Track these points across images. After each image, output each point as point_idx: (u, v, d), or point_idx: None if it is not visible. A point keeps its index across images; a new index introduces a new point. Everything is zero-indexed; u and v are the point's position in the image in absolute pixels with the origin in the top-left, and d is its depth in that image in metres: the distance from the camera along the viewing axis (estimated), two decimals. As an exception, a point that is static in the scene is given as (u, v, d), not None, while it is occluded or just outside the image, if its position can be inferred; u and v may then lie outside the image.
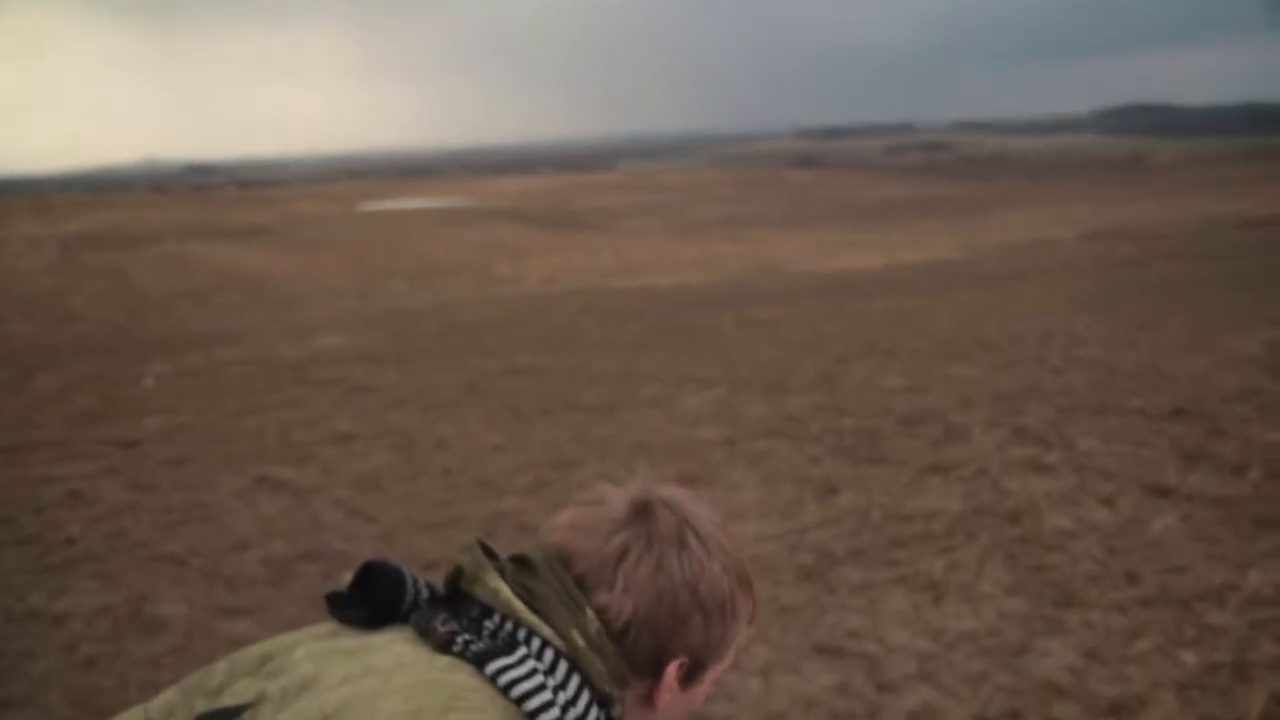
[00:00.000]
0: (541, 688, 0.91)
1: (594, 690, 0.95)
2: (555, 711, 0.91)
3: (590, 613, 0.96)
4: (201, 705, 0.98)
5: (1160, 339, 9.20)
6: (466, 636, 0.94)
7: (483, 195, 58.15)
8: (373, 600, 1.00)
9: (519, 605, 0.96)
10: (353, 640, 0.97)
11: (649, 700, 1.01)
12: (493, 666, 0.91)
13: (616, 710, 0.96)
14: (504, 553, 1.04)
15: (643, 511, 1.01)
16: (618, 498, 1.03)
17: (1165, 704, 3.27)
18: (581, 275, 22.12)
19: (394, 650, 0.94)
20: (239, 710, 0.94)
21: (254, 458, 6.92)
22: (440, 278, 20.64)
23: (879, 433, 6.58)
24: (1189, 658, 3.55)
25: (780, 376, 8.59)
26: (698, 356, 9.65)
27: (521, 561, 1.01)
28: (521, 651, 0.93)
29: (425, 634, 0.95)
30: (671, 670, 0.99)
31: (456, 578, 1.00)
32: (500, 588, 0.97)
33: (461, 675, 0.90)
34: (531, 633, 0.94)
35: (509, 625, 0.95)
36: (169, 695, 1.02)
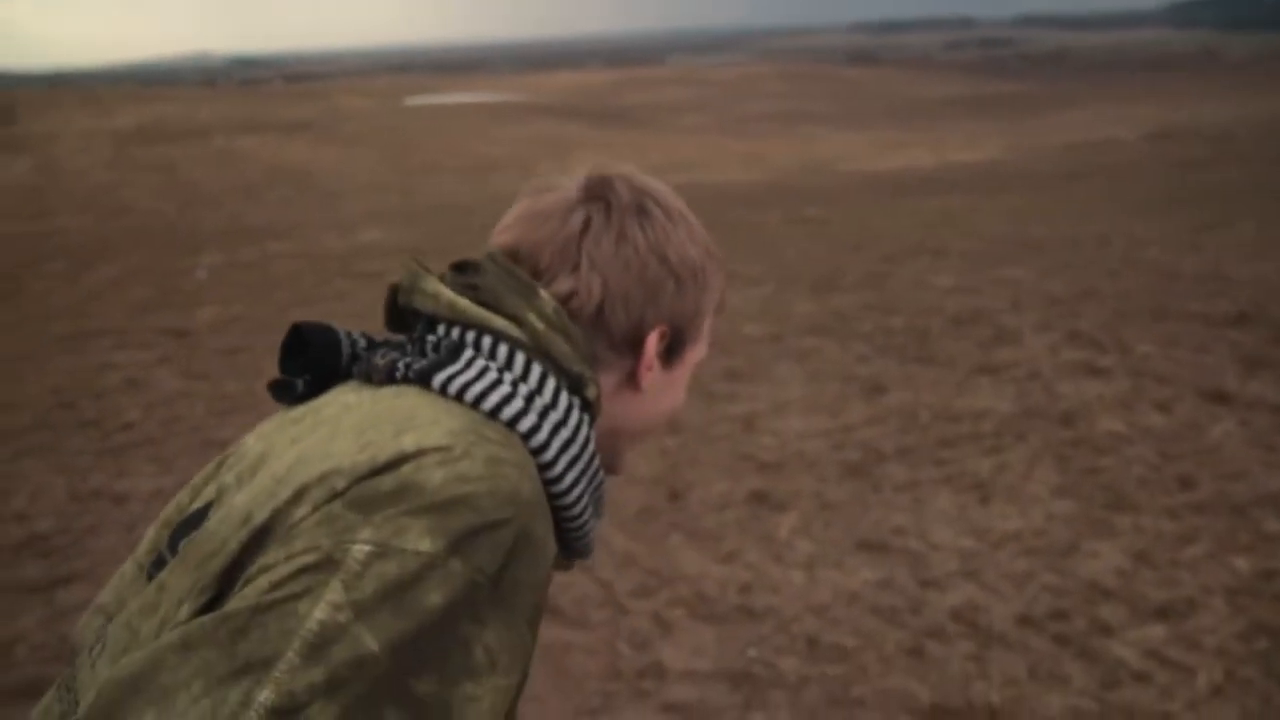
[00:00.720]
0: (497, 383, 0.83)
1: (562, 373, 0.87)
2: (518, 403, 0.83)
3: (545, 294, 0.89)
4: (162, 534, 0.92)
5: (1225, 242, 8.90)
6: (407, 359, 0.86)
7: (530, 90, 57.33)
8: (311, 364, 0.92)
9: (463, 303, 0.88)
10: (300, 410, 0.90)
11: (632, 382, 0.94)
12: (439, 379, 0.83)
13: (590, 391, 0.88)
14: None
15: (598, 187, 0.94)
16: (568, 182, 0.96)
17: (1215, 609, 3.23)
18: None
19: (340, 400, 0.87)
20: (203, 511, 0.86)
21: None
22: (487, 173, 20.50)
23: (928, 332, 6.48)
24: (1242, 564, 3.50)
25: (828, 274, 8.46)
26: (745, 253, 9.52)
27: (462, 266, 0.94)
28: (468, 354, 0.85)
29: (368, 376, 0.88)
30: (652, 341, 0.92)
31: (394, 297, 0.94)
32: (440, 290, 0.89)
33: (409, 398, 0.82)
34: (481, 332, 0.87)
35: (454, 333, 0.88)
36: (149, 533, 0.95)
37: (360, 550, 0.68)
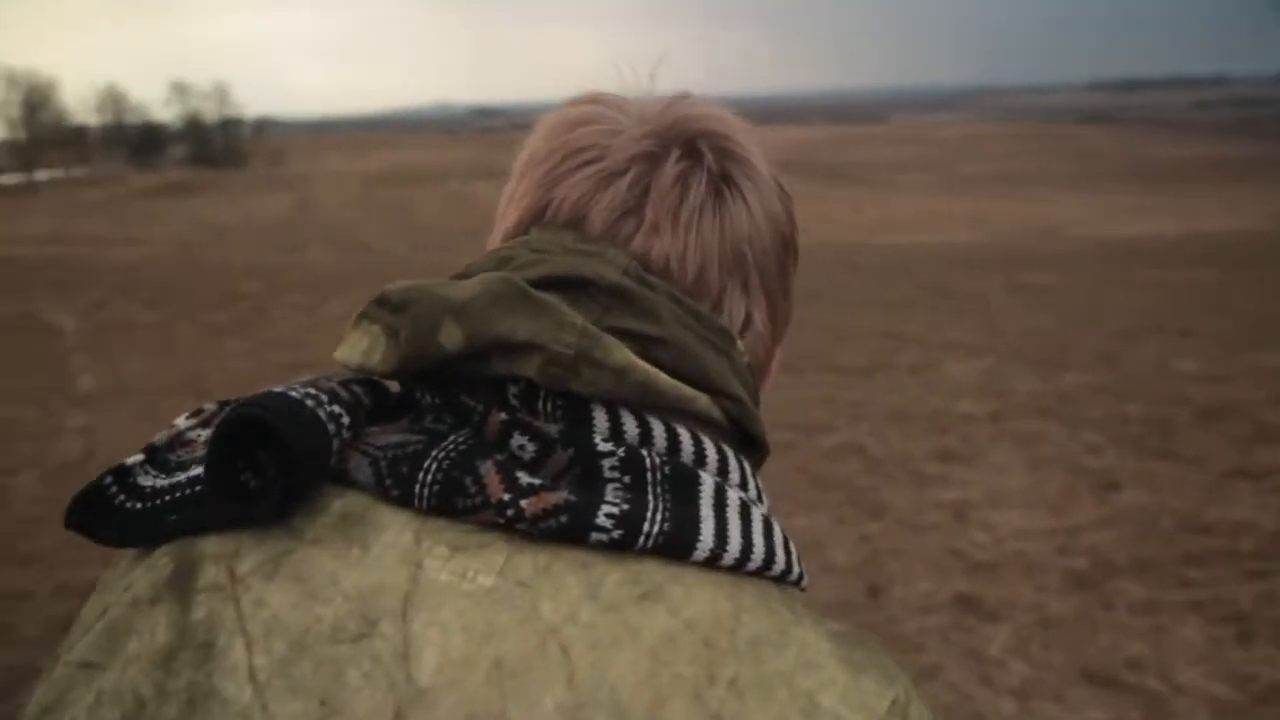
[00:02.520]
0: (769, 529, 0.51)
1: (755, 454, 0.57)
2: (788, 547, 0.52)
3: (739, 344, 0.56)
4: None
5: None
6: (612, 507, 0.47)
7: (749, 144, 57.78)
8: (288, 469, 0.48)
9: (662, 380, 0.51)
10: (318, 598, 0.46)
11: (764, 374, 0.64)
12: (703, 548, 0.48)
13: (765, 460, 0.59)
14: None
15: (687, 136, 0.58)
16: (628, 123, 0.59)
17: None
18: (844, 229, 21.45)
19: (450, 590, 0.46)
20: None
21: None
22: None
23: (1170, 424, 5.80)
24: None
25: (1054, 350, 7.82)
26: (963, 321, 8.99)
27: (580, 285, 0.52)
28: (709, 486, 0.50)
29: (463, 511, 0.47)
30: (778, 357, 0.64)
31: (482, 353, 0.50)
32: (631, 363, 0.50)
33: (683, 602, 0.46)
34: (672, 425, 0.51)
35: (630, 429, 0.50)
36: None
37: None
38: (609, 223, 0.56)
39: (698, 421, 0.53)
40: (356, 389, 0.53)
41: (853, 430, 5.86)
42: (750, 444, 0.56)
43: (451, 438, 0.50)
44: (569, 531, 0.46)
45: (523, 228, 0.59)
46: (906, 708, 0.46)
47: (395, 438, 0.51)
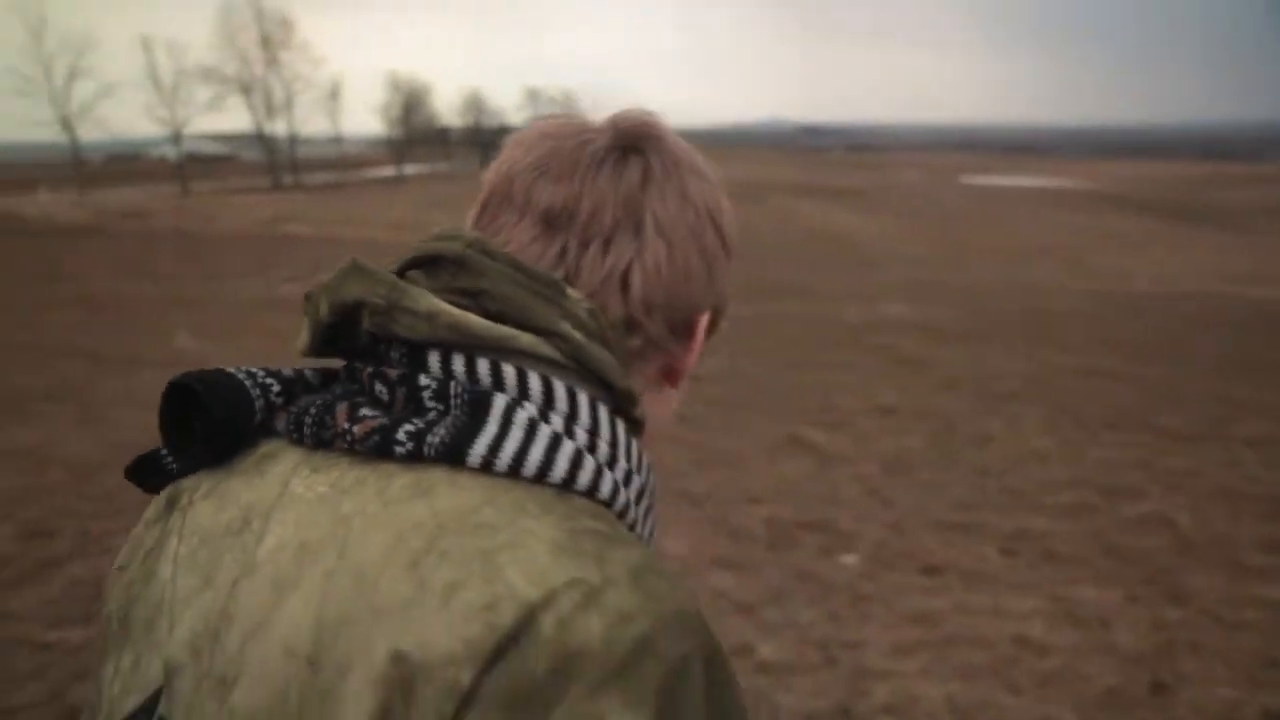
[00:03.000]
0: (557, 441, 0.61)
1: (610, 394, 0.66)
2: (590, 463, 0.61)
3: (572, 292, 0.66)
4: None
5: None
6: (408, 427, 0.61)
7: (1096, 178, 53.68)
8: (214, 428, 0.66)
9: (476, 322, 0.63)
10: (227, 514, 0.65)
11: (669, 378, 0.74)
12: (477, 453, 0.59)
13: (639, 410, 0.68)
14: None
15: (636, 132, 0.71)
16: (582, 125, 0.72)
17: None
18: (1202, 278, 19.35)
19: (305, 499, 0.62)
20: (149, 712, 0.62)
21: (792, 415, 7.00)
22: (1029, 260, 19.38)
23: None
24: None
25: None
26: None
27: (433, 261, 0.67)
28: (500, 406, 0.61)
29: (327, 442, 0.63)
30: (702, 325, 0.73)
31: (348, 321, 0.66)
32: (438, 308, 0.63)
33: (446, 493, 0.58)
34: (499, 359, 0.64)
35: (457, 365, 0.63)
36: None
37: None
38: (526, 184, 0.69)
39: (529, 359, 0.64)
40: (307, 371, 0.72)
41: (1166, 501, 5.24)
42: (609, 386, 0.66)
43: (338, 391, 0.68)
44: (381, 448, 0.61)
45: (479, 210, 0.73)
46: (598, 592, 0.53)
47: (311, 399, 0.67)
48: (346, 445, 0.62)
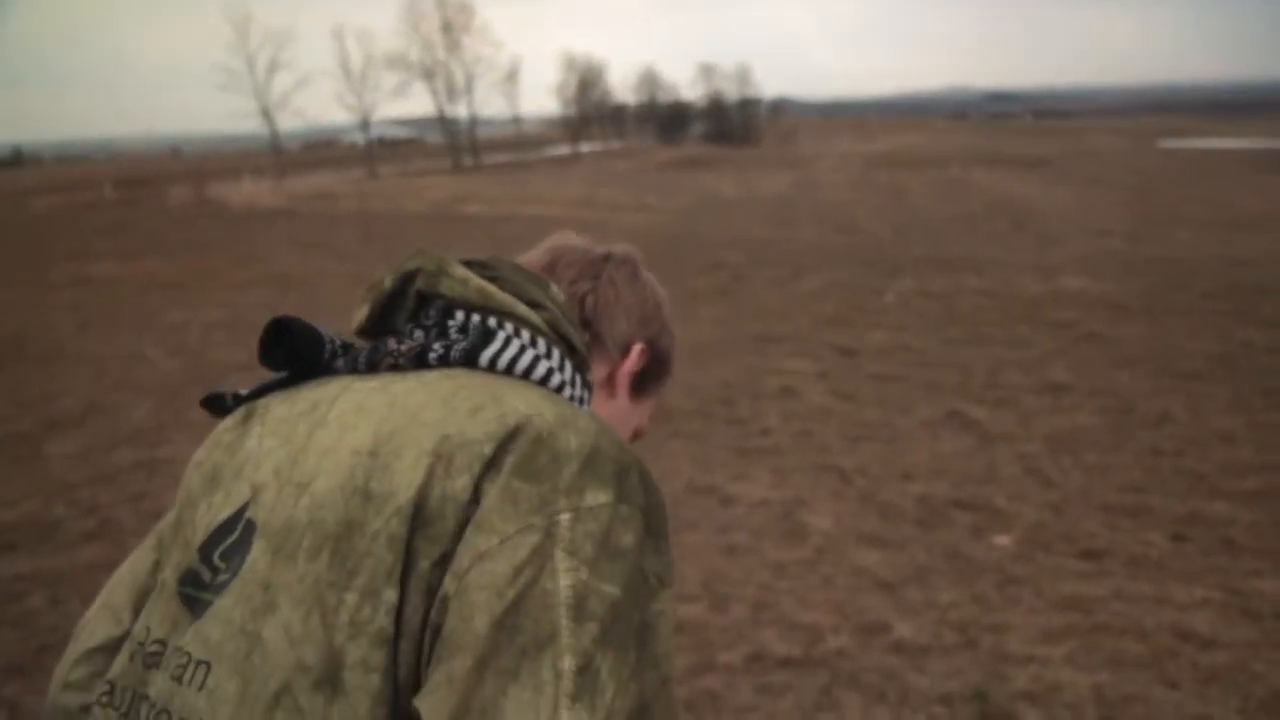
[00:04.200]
0: (537, 359, 0.90)
1: (574, 355, 0.95)
2: (558, 377, 0.91)
3: (555, 287, 0.99)
4: (179, 556, 0.86)
5: None
6: (441, 343, 0.89)
7: (1319, 137, 48.95)
8: (291, 358, 0.92)
9: (492, 289, 0.93)
10: (290, 407, 0.89)
11: (610, 384, 1.07)
12: (486, 356, 0.88)
13: (591, 374, 1.00)
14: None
15: (618, 254, 1.11)
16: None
17: None
18: None
19: (353, 390, 0.87)
20: (235, 518, 0.84)
21: (955, 390, 6.75)
22: (1235, 230, 17.90)
23: None
24: None
25: None
26: None
27: (470, 264, 0.97)
28: (502, 334, 0.90)
29: (375, 365, 0.90)
30: (636, 350, 1.07)
31: (404, 283, 0.95)
32: (470, 276, 0.93)
33: (463, 377, 0.86)
34: (504, 317, 0.92)
35: (476, 318, 0.92)
36: (145, 556, 0.96)
37: (565, 518, 0.75)
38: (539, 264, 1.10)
39: (524, 322, 0.92)
40: (358, 341, 0.97)
41: (1372, 489, 4.77)
42: (574, 349, 0.96)
43: (388, 340, 0.93)
44: (419, 358, 0.89)
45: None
46: (571, 421, 0.81)
47: (364, 347, 0.93)
48: (392, 362, 0.88)
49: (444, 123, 70.25)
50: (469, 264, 0.97)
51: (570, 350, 0.95)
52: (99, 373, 8.28)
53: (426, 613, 0.74)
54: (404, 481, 0.76)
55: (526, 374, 0.89)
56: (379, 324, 0.96)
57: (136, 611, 0.91)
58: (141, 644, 0.83)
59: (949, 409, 6.29)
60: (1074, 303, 10.29)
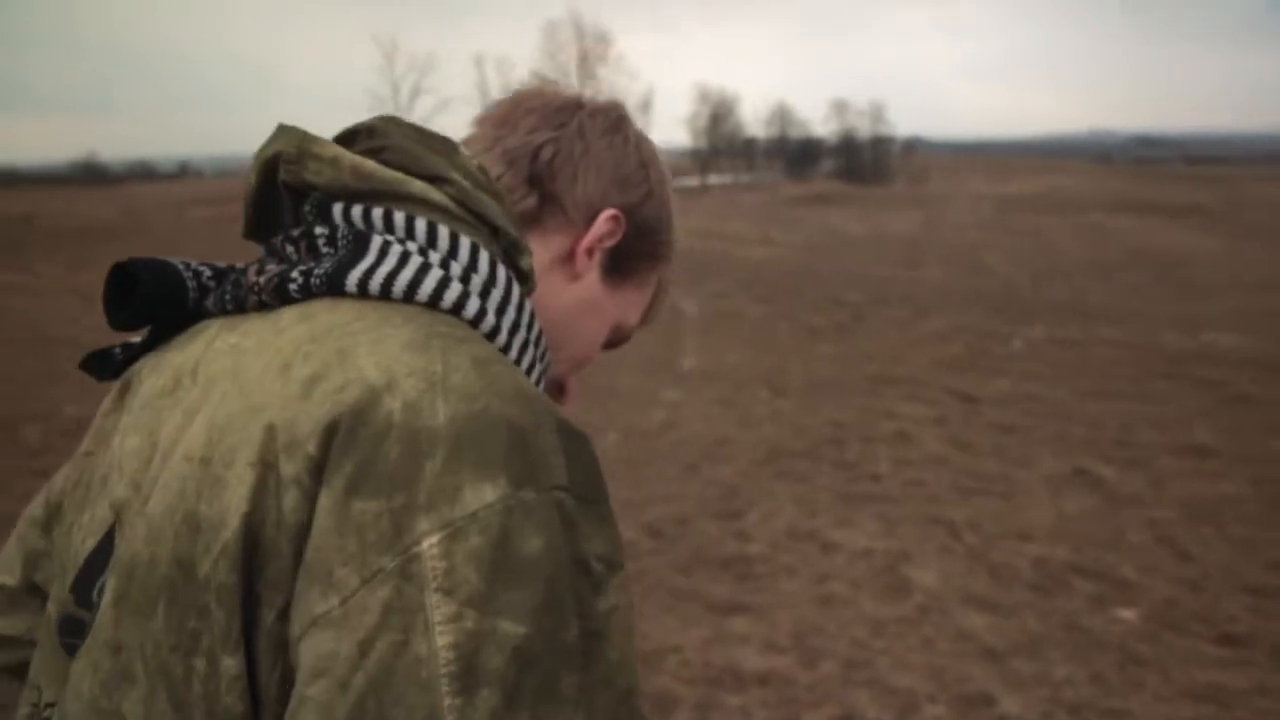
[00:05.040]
0: (425, 267, 0.68)
1: (494, 239, 0.73)
2: (456, 287, 0.68)
3: (464, 150, 0.76)
4: (57, 589, 0.71)
5: None
6: (302, 267, 0.68)
7: None
8: (146, 311, 0.73)
9: (370, 165, 0.71)
10: (161, 378, 0.71)
11: (570, 263, 0.82)
12: (353, 279, 0.66)
13: (525, 259, 0.75)
14: None
15: (610, 107, 0.87)
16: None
17: None
18: None
19: (219, 347, 0.68)
20: (106, 544, 0.66)
21: (1081, 446, 6.33)
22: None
23: None
24: None
25: None
26: None
27: (351, 134, 0.75)
28: (378, 241, 0.68)
29: (240, 302, 0.70)
30: (603, 219, 0.82)
31: (268, 176, 0.73)
32: (340, 153, 0.71)
33: (326, 314, 0.65)
34: (393, 205, 0.70)
35: (355, 213, 0.70)
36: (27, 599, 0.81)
37: (430, 544, 0.54)
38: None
39: (422, 205, 0.71)
40: (240, 265, 0.75)
41: None
42: (497, 230, 0.73)
43: (252, 265, 0.73)
44: (279, 292, 0.68)
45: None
46: (442, 378, 0.59)
47: (234, 274, 0.73)
48: (256, 299, 0.69)
49: (576, 151, 71.37)
50: (352, 133, 0.75)
51: (494, 233, 0.73)
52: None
53: (287, 674, 0.56)
54: (232, 504, 0.58)
55: (409, 295, 0.66)
56: (263, 230, 0.76)
57: (26, 568, 0.81)
58: (36, 706, 0.70)
59: (1074, 466, 5.88)
60: (1223, 360, 9.62)
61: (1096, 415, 7.15)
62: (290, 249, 0.72)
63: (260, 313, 0.69)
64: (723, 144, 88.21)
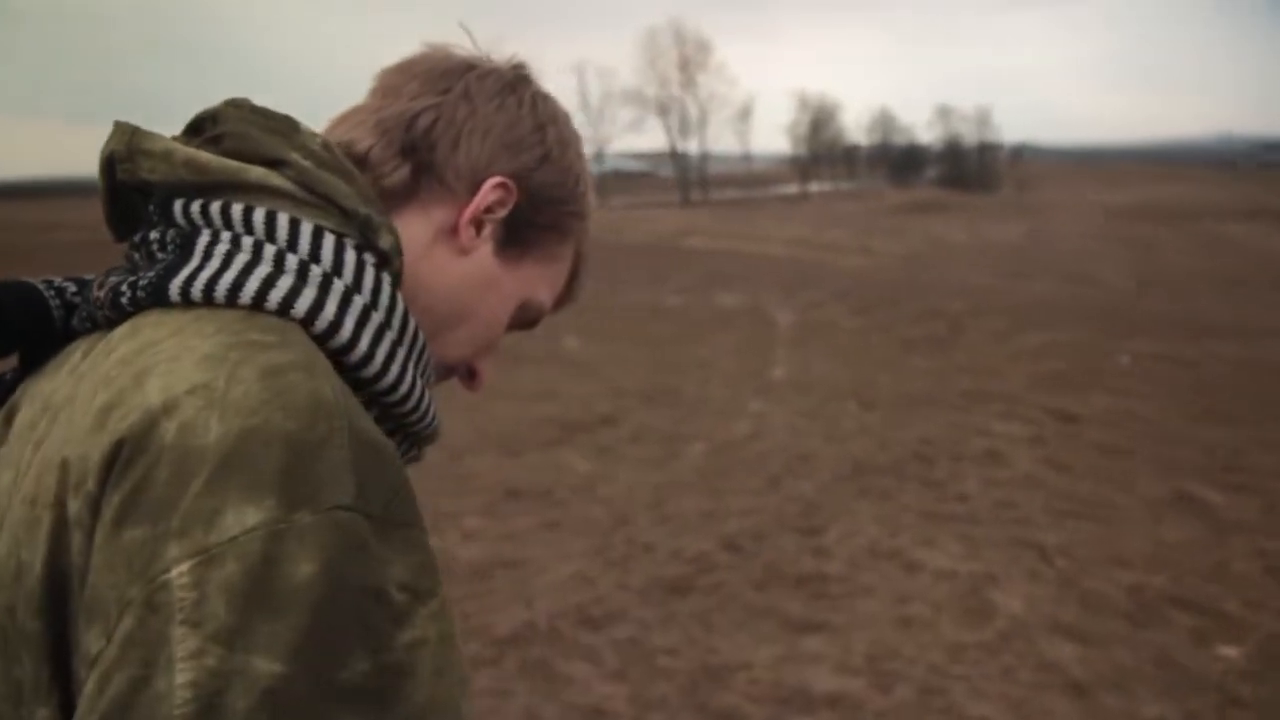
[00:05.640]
0: (250, 266, 0.63)
1: (345, 221, 0.68)
2: (285, 282, 0.63)
3: (306, 128, 0.71)
4: None
5: None
6: (131, 278, 0.65)
7: None
8: (13, 337, 0.71)
9: (204, 157, 0.67)
10: (30, 411, 0.68)
11: (454, 237, 0.75)
12: (174, 288, 0.62)
13: (384, 238, 0.69)
14: None
15: (514, 67, 0.81)
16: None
17: None
18: None
19: (67, 369, 0.67)
20: None
21: (1188, 469, 6.03)
22: None
23: None
24: None
25: None
26: None
27: (195, 125, 0.72)
28: (204, 240, 0.65)
29: (94, 320, 0.68)
30: (489, 187, 0.75)
31: (111, 178, 0.70)
32: (172, 147, 0.68)
33: (146, 331, 0.61)
34: (230, 197, 0.67)
35: (194, 210, 0.66)
36: None
37: (179, 574, 0.50)
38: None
39: (262, 193, 0.67)
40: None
41: None
42: (346, 212, 0.68)
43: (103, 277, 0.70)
44: (116, 308, 0.64)
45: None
46: (223, 393, 0.55)
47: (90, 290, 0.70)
48: (104, 315, 0.66)
49: (675, 158, 71.63)
50: (199, 122, 0.71)
51: (344, 215, 0.68)
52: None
53: None
54: (39, 549, 0.56)
55: (232, 299, 0.61)
56: (129, 233, 0.72)
57: None
58: None
59: (1179, 490, 5.61)
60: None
61: (1206, 437, 6.81)
62: (136, 255, 0.69)
63: (106, 330, 0.66)
64: (823, 151, 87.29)
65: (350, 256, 0.66)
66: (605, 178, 66.19)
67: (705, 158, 74.39)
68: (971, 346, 10.53)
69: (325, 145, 0.70)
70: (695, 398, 8.05)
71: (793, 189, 75.87)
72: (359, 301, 0.65)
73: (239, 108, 0.71)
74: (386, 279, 0.68)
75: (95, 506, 0.54)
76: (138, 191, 0.70)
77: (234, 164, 0.67)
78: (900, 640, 3.71)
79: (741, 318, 12.64)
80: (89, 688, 0.51)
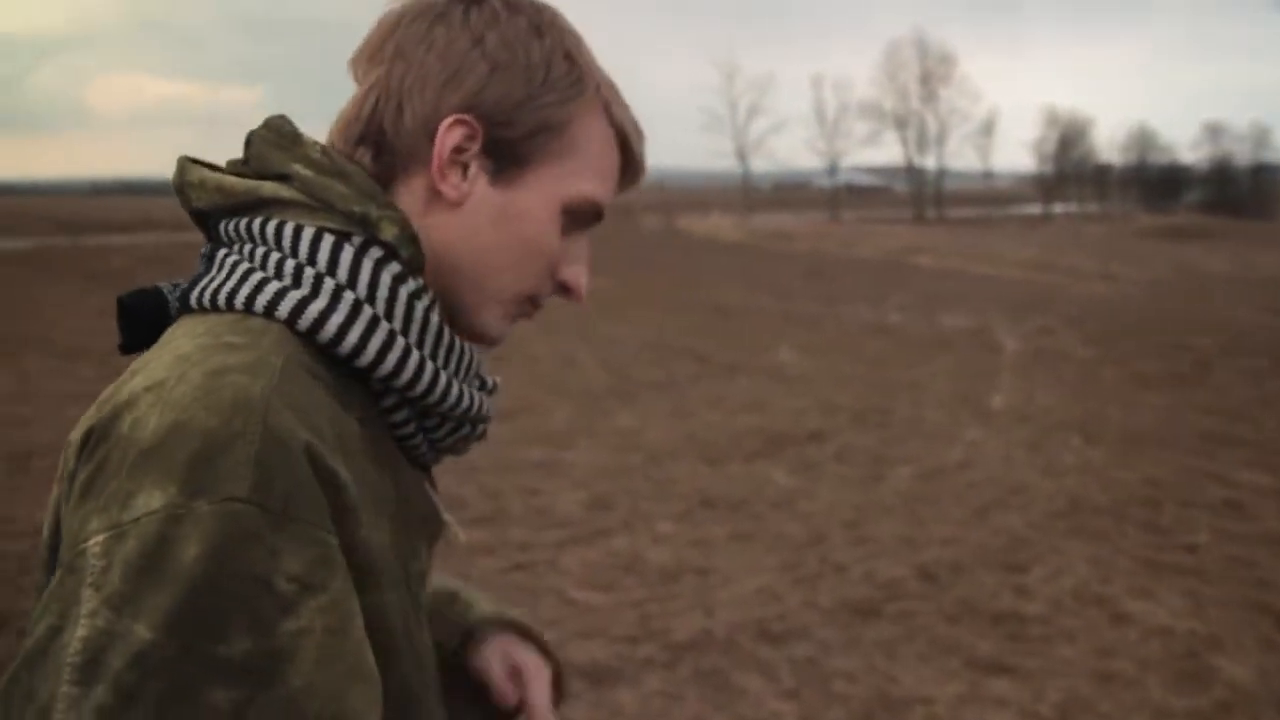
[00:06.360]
0: (248, 274, 0.70)
1: (347, 221, 0.73)
2: (273, 286, 0.69)
3: (309, 139, 0.76)
4: None
5: None
6: (179, 289, 0.75)
7: None
8: (143, 336, 0.75)
9: (229, 180, 0.75)
10: None
11: (436, 196, 0.76)
12: (194, 298, 0.72)
13: (386, 230, 0.73)
14: None
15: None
16: None
17: None
18: None
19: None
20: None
21: None
22: None
23: None
24: None
25: None
26: None
27: (246, 144, 0.79)
28: (222, 254, 0.73)
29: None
30: (442, 131, 0.74)
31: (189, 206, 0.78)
32: (205, 176, 0.76)
33: (169, 334, 0.71)
34: (253, 213, 0.74)
35: (232, 228, 0.74)
36: None
37: (94, 544, 0.58)
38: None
39: (277, 206, 0.73)
40: None
41: None
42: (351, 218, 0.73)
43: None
44: (176, 313, 0.74)
45: None
46: (168, 390, 0.62)
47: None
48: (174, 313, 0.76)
49: (911, 173, 69.67)
50: (248, 142, 0.77)
51: (345, 216, 0.73)
52: (534, 373, 9.17)
53: None
54: (50, 516, 0.67)
55: (229, 304, 0.70)
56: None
57: None
58: None
59: None
60: None
61: None
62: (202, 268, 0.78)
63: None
64: (1071, 170, 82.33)
65: (346, 255, 0.71)
66: (838, 191, 65.26)
67: (943, 174, 71.86)
68: (1219, 387, 9.66)
69: (324, 152, 0.75)
70: (908, 419, 7.82)
71: (1035, 209, 72.02)
72: (349, 296, 0.70)
73: (264, 127, 0.77)
74: (386, 272, 0.72)
75: (72, 482, 0.63)
76: (196, 214, 0.78)
77: (252, 183, 0.74)
78: (1098, 695, 3.48)
79: (965, 340, 12.15)
80: (29, 629, 0.60)
